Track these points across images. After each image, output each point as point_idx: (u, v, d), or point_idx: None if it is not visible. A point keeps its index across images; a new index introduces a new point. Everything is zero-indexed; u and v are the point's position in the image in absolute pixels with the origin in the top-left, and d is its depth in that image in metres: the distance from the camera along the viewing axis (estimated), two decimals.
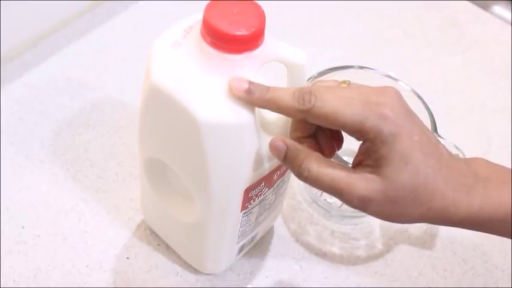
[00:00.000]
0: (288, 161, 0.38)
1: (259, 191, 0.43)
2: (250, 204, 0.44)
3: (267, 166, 0.41)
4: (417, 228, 0.58)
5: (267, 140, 0.40)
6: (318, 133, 0.40)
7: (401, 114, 0.36)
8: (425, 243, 0.57)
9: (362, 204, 0.37)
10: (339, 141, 0.42)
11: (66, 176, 0.57)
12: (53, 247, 0.52)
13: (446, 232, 0.58)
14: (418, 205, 0.37)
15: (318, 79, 0.40)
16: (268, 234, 0.56)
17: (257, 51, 0.38)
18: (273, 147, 0.38)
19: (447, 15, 0.80)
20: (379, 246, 0.57)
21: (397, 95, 0.37)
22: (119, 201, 0.56)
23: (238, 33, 0.36)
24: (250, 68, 0.37)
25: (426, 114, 0.52)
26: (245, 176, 0.41)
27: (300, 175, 0.38)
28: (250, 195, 0.42)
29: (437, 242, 0.57)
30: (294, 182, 0.59)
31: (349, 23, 0.77)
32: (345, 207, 0.55)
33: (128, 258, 0.53)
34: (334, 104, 0.36)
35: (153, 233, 0.54)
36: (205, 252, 0.49)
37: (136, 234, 0.54)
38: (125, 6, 0.73)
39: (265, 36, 0.38)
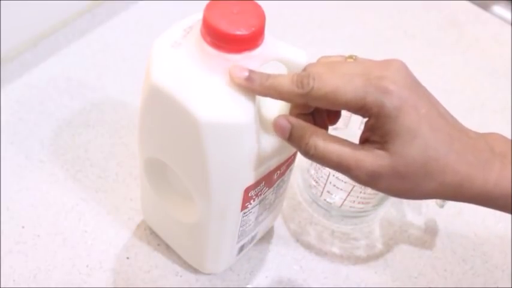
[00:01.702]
0: (293, 140, 0.37)
1: (259, 191, 0.43)
2: (250, 204, 0.44)
3: (267, 166, 0.41)
4: (417, 228, 0.58)
5: (267, 140, 0.40)
6: (315, 111, 0.40)
7: (406, 87, 0.35)
8: (425, 243, 0.57)
9: (371, 180, 0.36)
10: (335, 117, 0.41)
11: (66, 176, 0.57)
12: (53, 247, 0.52)
13: (446, 232, 0.58)
14: (430, 180, 0.36)
15: (324, 55, 0.40)
16: (268, 234, 0.56)
17: (257, 51, 0.38)
18: (277, 126, 0.37)
19: (447, 15, 0.80)
20: (379, 246, 0.57)
21: (402, 67, 0.36)
22: (119, 201, 0.56)
23: (238, 33, 0.36)
24: (250, 67, 0.37)
25: None
26: (245, 176, 0.41)
27: (307, 153, 0.37)
28: (250, 195, 0.42)
29: (437, 242, 0.57)
30: (294, 182, 0.59)
31: (349, 23, 0.77)
32: (345, 207, 0.55)
33: (128, 258, 0.53)
34: (334, 83, 0.35)
35: (153, 233, 0.54)
36: (205, 252, 0.49)
37: (136, 234, 0.54)
38: (125, 6, 0.73)
39: (265, 36, 0.38)
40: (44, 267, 0.51)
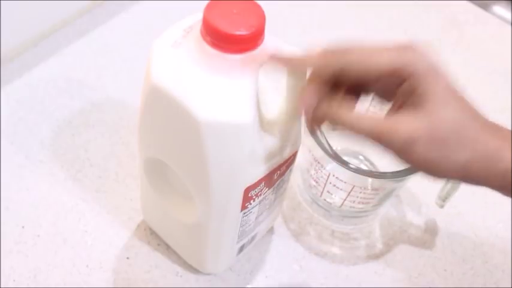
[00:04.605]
0: (320, 111, 0.37)
1: (259, 191, 0.43)
2: (250, 204, 0.44)
3: (267, 166, 0.41)
4: (417, 228, 0.58)
5: (267, 140, 0.40)
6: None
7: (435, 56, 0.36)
8: (425, 243, 0.57)
9: (406, 146, 0.35)
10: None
11: (66, 176, 0.57)
12: (53, 247, 0.52)
13: (446, 232, 0.58)
14: (463, 149, 0.35)
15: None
16: (268, 234, 0.56)
17: (257, 51, 0.38)
18: (303, 100, 0.37)
19: (447, 15, 0.80)
20: (379, 246, 0.57)
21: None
22: (119, 201, 0.56)
23: (238, 33, 0.36)
24: (250, 67, 0.37)
25: None
26: (245, 176, 0.41)
27: (337, 122, 0.36)
28: (250, 195, 0.42)
29: (437, 242, 0.57)
30: (293, 182, 0.59)
31: (349, 23, 0.77)
32: (345, 207, 0.55)
33: (128, 258, 0.53)
34: (370, 49, 0.37)
35: (153, 233, 0.54)
36: (205, 252, 0.49)
37: (136, 234, 0.54)
38: (125, 6, 0.73)
39: (265, 36, 0.38)
40: (44, 267, 0.51)
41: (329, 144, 0.48)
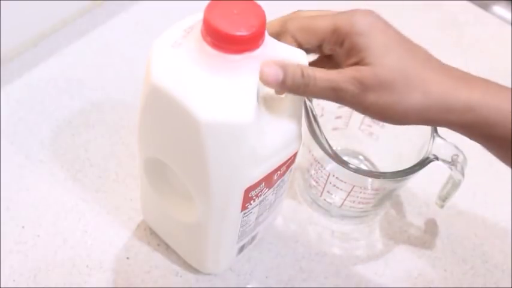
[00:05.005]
0: (289, 80, 0.38)
1: (259, 191, 0.43)
2: (250, 204, 0.44)
3: (267, 166, 0.41)
4: (417, 228, 0.58)
5: (267, 140, 0.40)
6: None
7: (373, 16, 0.38)
8: (425, 243, 0.57)
9: (360, 91, 0.37)
10: None
11: (66, 176, 0.57)
12: (53, 247, 0.52)
13: (446, 232, 0.58)
14: (413, 89, 0.37)
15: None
16: (268, 234, 0.56)
17: (257, 52, 0.38)
18: (270, 74, 0.37)
19: (447, 15, 0.80)
20: (379, 246, 0.57)
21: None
22: (119, 201, 0.56)
23: (239, 33, 0.36)
24: (250, 68, 0.37)
25: None
26: (245, 176, 0.41)
27: (305, 86, 0.38)
28: (250, 195, 0.42)
29: (437, 242, 0.57)
30: (294, 182, 0.59)
31: None
32: (345, 207, 0.55)
33: (127, 258, 0.53)
34: (317, 14, 0.40)
35: (153, 233, 0.54)
36: (205, 252, 0.49)
37: (136, 234, 0.54)
38: (125, 6, 0.73)
39: (266, 36, 0.38)
40: (44, 267, 0.51)
41: (329, 144, 0.48)
